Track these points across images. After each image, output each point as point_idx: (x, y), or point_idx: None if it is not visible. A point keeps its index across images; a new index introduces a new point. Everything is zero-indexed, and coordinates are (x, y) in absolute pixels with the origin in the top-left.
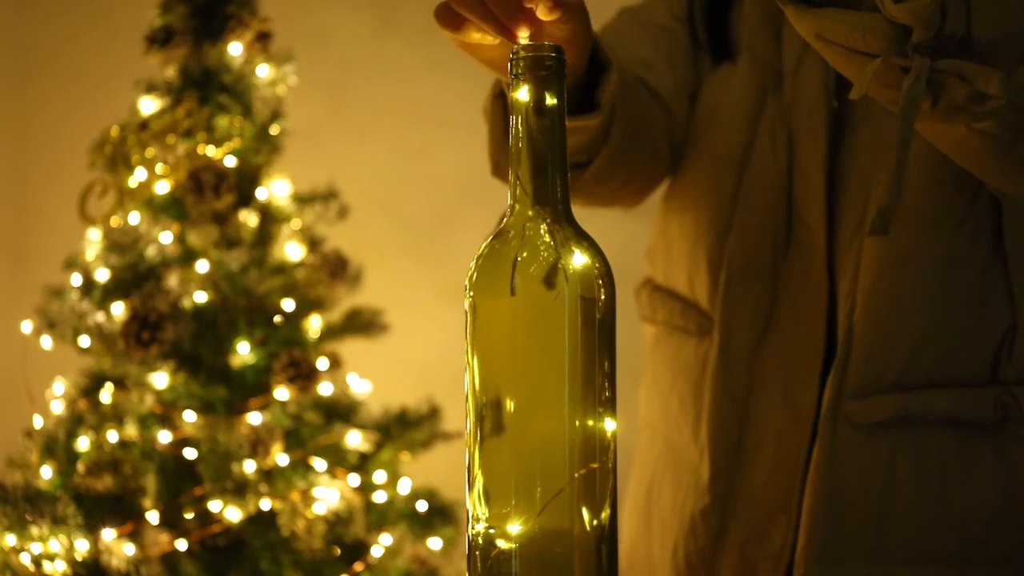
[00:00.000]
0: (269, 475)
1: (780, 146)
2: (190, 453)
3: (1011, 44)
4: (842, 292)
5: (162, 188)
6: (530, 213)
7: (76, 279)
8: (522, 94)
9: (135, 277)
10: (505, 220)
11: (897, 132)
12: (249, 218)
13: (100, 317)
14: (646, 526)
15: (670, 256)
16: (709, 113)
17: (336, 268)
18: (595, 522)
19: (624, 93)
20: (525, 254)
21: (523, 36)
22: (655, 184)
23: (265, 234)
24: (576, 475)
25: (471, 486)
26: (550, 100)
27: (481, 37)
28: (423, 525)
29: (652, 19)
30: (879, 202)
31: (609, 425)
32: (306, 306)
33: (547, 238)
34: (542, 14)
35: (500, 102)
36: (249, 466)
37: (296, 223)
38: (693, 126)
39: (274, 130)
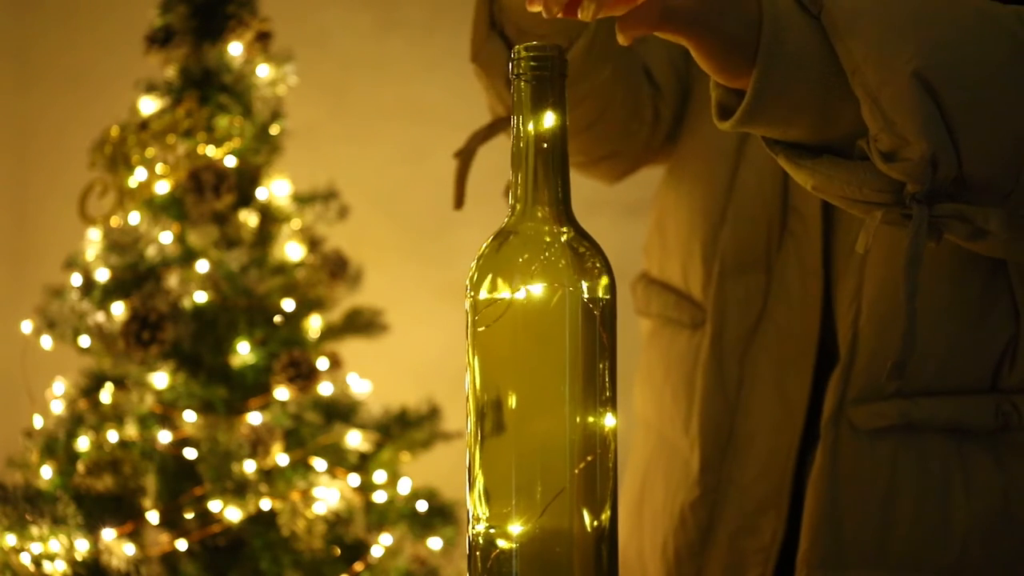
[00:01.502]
0: (269, 475)
1: None
2: (190, 453)
3: (1004, 175)
4: (845, 297)
5: (162, 188)
6: (531, 213)
7: (76, 279)
8: (524, 94)
9: (135, 277)
10: (506, 220)
11: (903, 286)
12: (249, 218)
13: (100, 317)
14: (638, 522)
15: (665, 248)
16: (704, 104)
17: (336, 268)
18: (595, 522)
19: None
20: (526, 254)
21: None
22: (633, 150)
23: (265, 234)
24: (576, 470)
25: (471, 486)
26: (551, 100)
27: None
28: (423, 525)
29: None
30: (893, 355)
31: (610, 425)
32: (306, 306)
33: (548, 238)
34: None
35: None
36: (249, 466)
37: (296, 223)
38: (688, 116)
39: (274, 130)
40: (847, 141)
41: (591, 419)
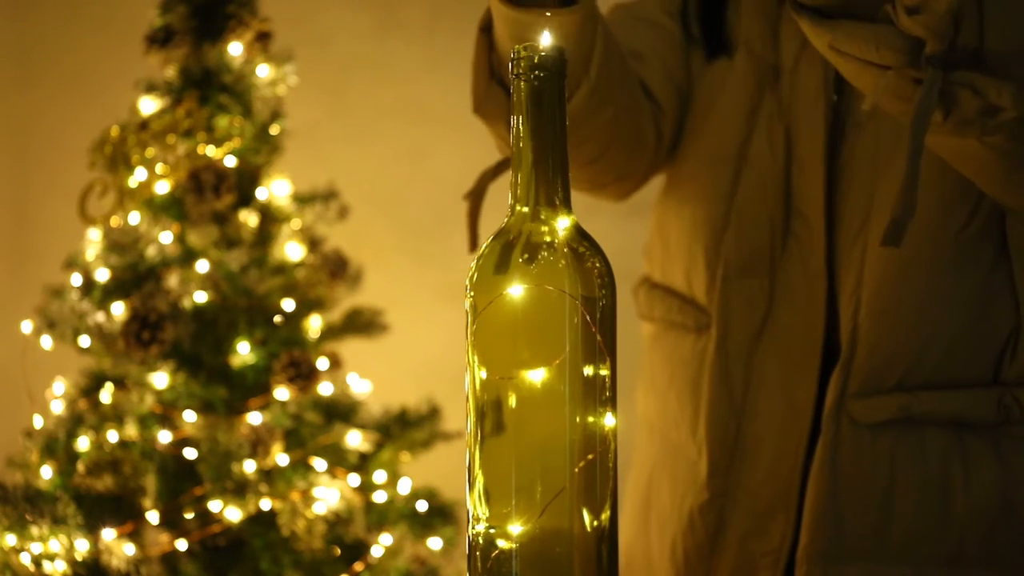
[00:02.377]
0: (269, 475)
1: (778, 141)
2: (190, 453)
3: (1021, 60)
4: (846, 291)
5: (162, 188)
6: (531, 213)
7: (76, 279)
8: (523, 94)
9: (135, 277)
10: (506, 220)
11: (908, 143)
12: (249, 218)
13: (100, 317)
14: (645, 524)
15: (667, 252)
16: (705, 109)
17: (336, 268)
18: (595, 522)
19: (606, 35)
20: (526, 254)
21: None
22: (637, 171)
23: (265, 234)
24: (576, 470)
25: (471, 486)
26: (551, 100)
27: None
28: (423, 525)
29: (644, 14)
30: (891, 212)
31: (610, 425)
32: (306, 306)
33: (548, 238)
34: None
35: (485, 36)
36: (249, 466)
37: (296, 223)
38: (689, 122)
39: (274, 130)
40: (873, 5)
41: (591, 419)
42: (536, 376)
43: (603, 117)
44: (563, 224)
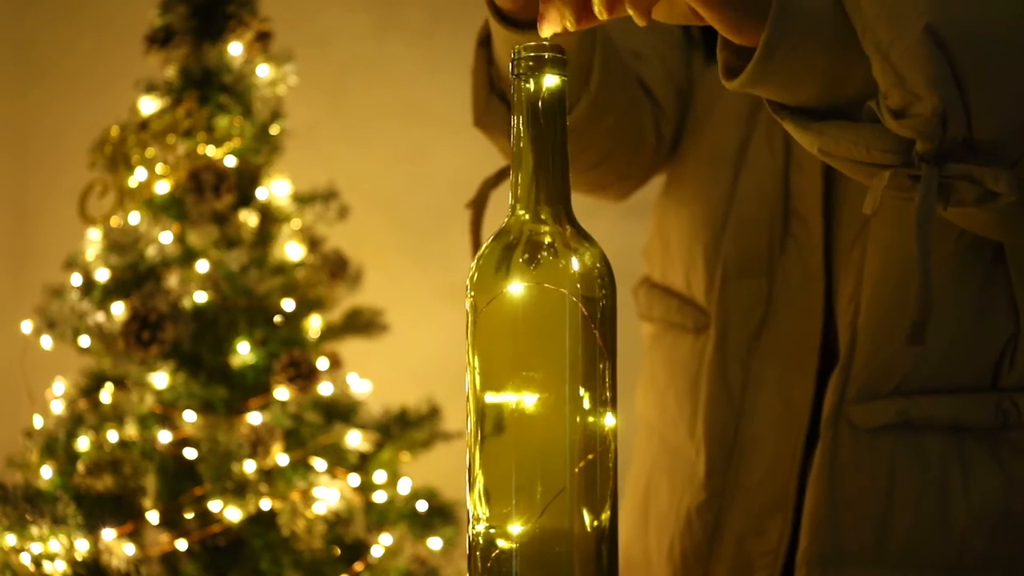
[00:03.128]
0: (269, 475)
1: (776, 142)
2: (190, 453)
3: (1015, 138)
4: (844, 296)
5: (162, 188)
6: (531, 213)
7: (76, 279)
8: (524, 94)
9: (135, 277)
10: (506, 220)
11: (916, 245)
12: (249, 218)
13: (100, 317)
14: (643, 525)
15: (667, 253)
16: (705, 109)
17: (336, 268)
18: (595, 522)
19: (605, 40)
20: (526, 254)
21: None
22: (638, 175)
23: (265, 234)
24: (576, 469)
25: (471, 486)
26: (551, 100)
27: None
28: (423, 525)
29: None
30: (911, 313)
31: (610, 424)
32: (306, 306)
33: (548, 238)
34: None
35: (484, 50)
36: (249, 466)
37: (296, 223)
38: (689, 122)
39: (274, 130)
40: (855, 104)
41: (591, 419)
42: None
43: (604, 125)
44: (563, 224)
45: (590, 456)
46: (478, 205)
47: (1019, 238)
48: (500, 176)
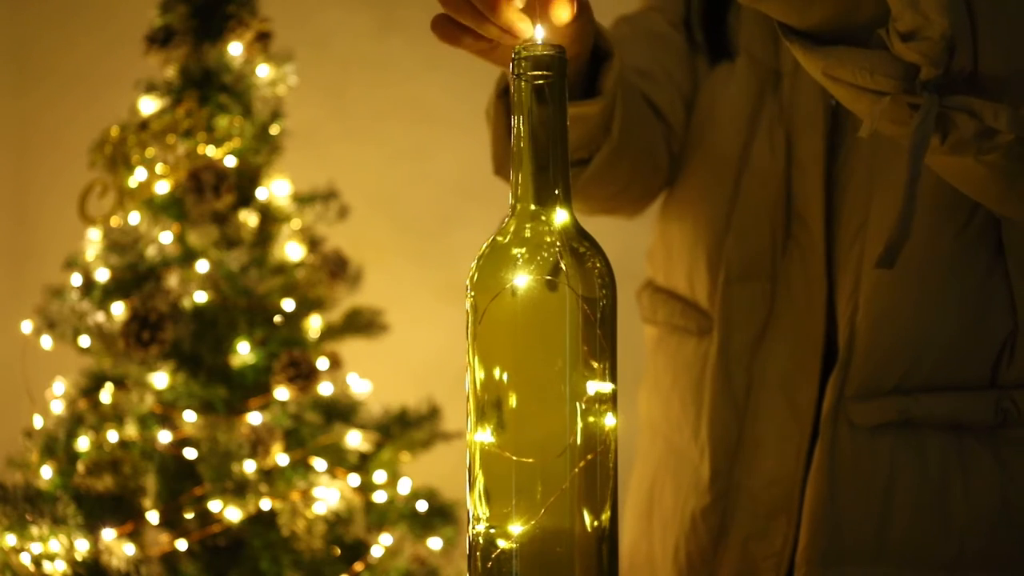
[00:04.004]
0: (269, 475)
1: (778, 146)
2: (190, 453)
3: (1019, 79)
4: (843, 294)
5: (162, 188)
6: (531, 213)
7: (76, 279)
8: (524, 94)
9: (135, 277)
10: (506, 220)
11: (906, 169)
12: (249, 218)
13: (100, 317)
14: (648, 527)
15: (670, 256)
16: (707, 113)
17: (336, 268)
18: (595, 522)
19: (624, 85)
20: (526, 254)
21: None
22: (653, 193)
23: (265, 234)
24: (576, 469)
25: (471, 486)
26: (551, 100)
27: (477, 45)
28: (423, 525)
29: (649, 27)
30: (887, 236)
31: (610, 425)
32: (306, 306)
33: (548, 238)
34: (559, 18)
35: (503, 101)
36: (249, 466)
37: (296, 223)
38: (692, 127)
39: (274, 130)
40: (865, 31)
41: (591, 419)
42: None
43: (623, 164)
44: (563, 224)
45: (589, 456)
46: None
47: (1011, 201)
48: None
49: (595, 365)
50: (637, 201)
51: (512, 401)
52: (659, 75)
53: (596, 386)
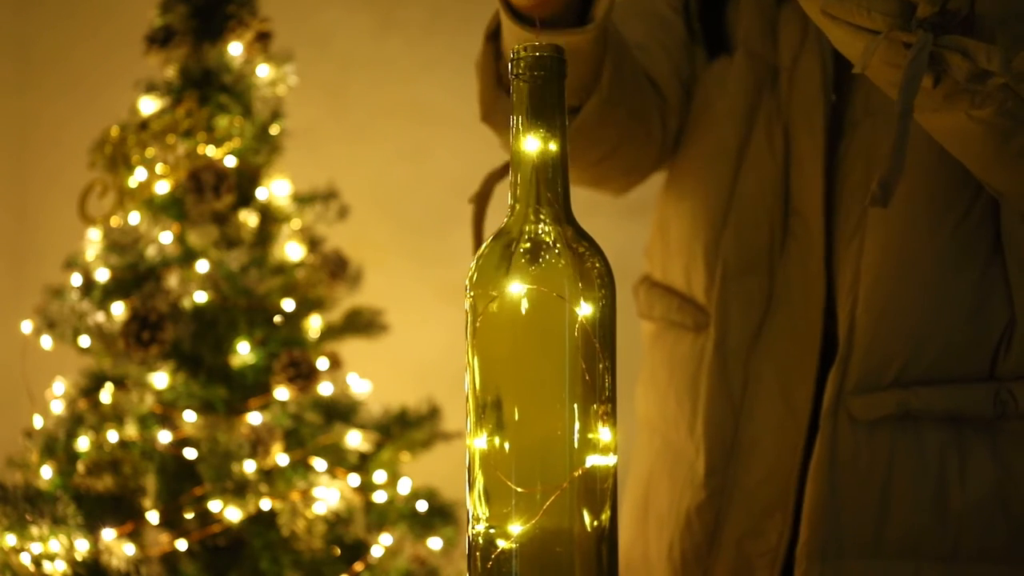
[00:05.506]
0: (269, 475)
1: (776, 141)
2: (190, 453)
3: (1014, 22)
4: (843, 288)
5: (162, 188)
6: (531, 213)
7: (76, 279)
8: (522, 94)
9: (135, 277)
10: (506, 220)
11: (898, 104)
12: (249, 218)
13: (100, 317)
14: (643, 525)
15: (667, 251)
16: (705, 108)
17: (336, 268)
18: (595, 522)
19: (616, 37)
20: (526, 254)
21: None
22: (644, 167)
23: (265, 234)
24: (576, 474)
25: (471, 486)
26: (550, 100)
27: None
28: (423, 525)
29: (649, 7)
30: (880, 173)
31: (610, 424)
32: (306, 306)
33: (547, 238)
34: None
35: (492, 45)
36: (249, 466)
37: (296, 223)
38: (689, 120)
39: (274, 130)
40: None
41: (591, 419)
42: (536, 376)
43: (614, 120)
44: (563, 224)
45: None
46: (481, 200)
47: (1005, 163)
48: (504, 171)
49: (594, 364)
50: (627, 173)
51: (511, 401)
52: (656, 51)
53: (595, 386)
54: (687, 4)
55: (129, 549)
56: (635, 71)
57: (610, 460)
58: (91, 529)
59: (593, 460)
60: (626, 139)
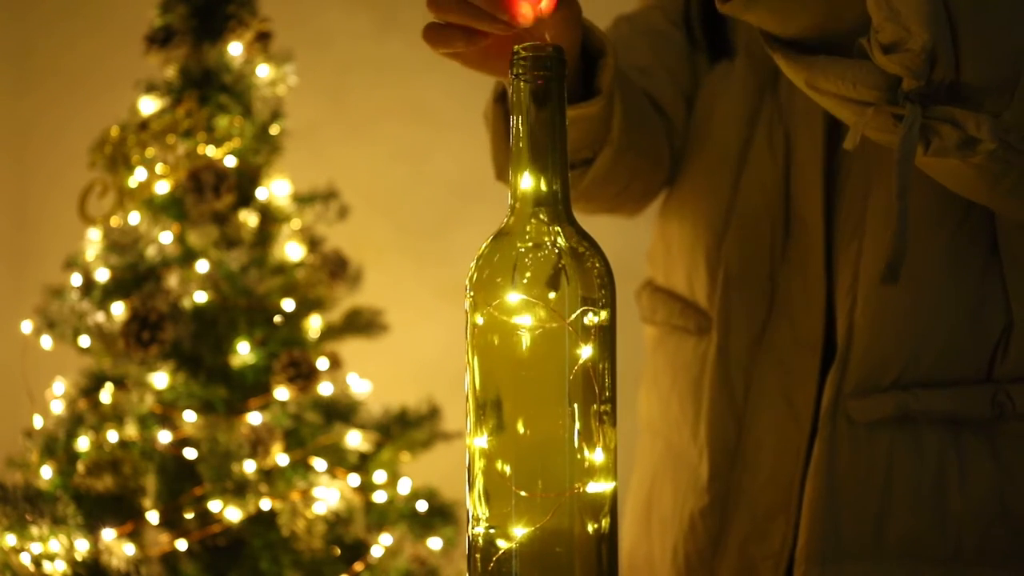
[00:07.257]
0: (269, 475)
1: (777, 145)
2: (190, 453)
3: (999, 89)
4: (842, 290)
5: (162, 188)
6: (531, 213)
7: (76, 279)
8: (523, 95)
9: (135, 277)
10: (506, 220)
11: (895, 183)
12: (249, 218)
13: (100, 317)
14: (647, 528)
15: (670, 256)
16: (707, 112)
17: (336, 268)
18: (595, 524)
19: (622, 81)
20: (526, 254)
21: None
22: (656, 190)
23: (265, 234)
24: (577, 485)
25: (471, 486)
26: (550, 100)
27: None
28: (423, 525)
29: (649, 25)
30: (885, 255)
31: (609, 425)
32: (306, 306)
33: (547, 238)
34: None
35: (501, 106)
36: (249, 466)
37: (296, 223)
38: (691, 125)
39: (274, 130)
40: (847, 40)
41: (591, 419)
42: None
43: (625, 163)
44: (563, 224)
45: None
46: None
47: (996, 198)
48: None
49: (595, 365)
50: (639, 199)
51: (512, 401)
52: (659, 71)
53: (595, 387)
54: (687, 14)
55: (129, 549)
56: (643, 110)
57: (610, 460)
58: (91, 529)
59: (593, 460)
60: (639, 173)
